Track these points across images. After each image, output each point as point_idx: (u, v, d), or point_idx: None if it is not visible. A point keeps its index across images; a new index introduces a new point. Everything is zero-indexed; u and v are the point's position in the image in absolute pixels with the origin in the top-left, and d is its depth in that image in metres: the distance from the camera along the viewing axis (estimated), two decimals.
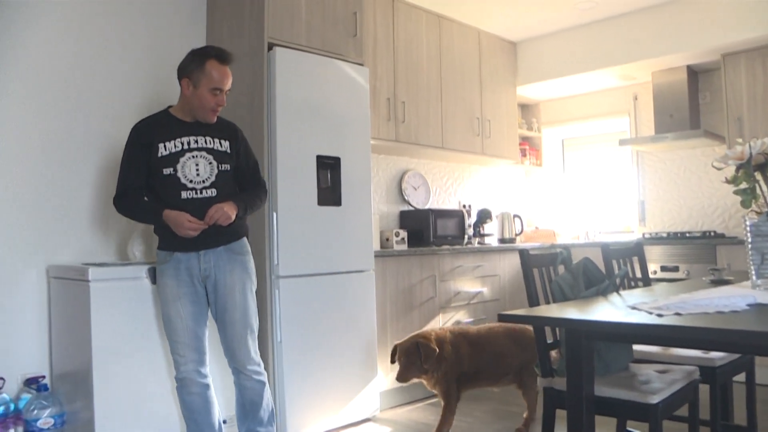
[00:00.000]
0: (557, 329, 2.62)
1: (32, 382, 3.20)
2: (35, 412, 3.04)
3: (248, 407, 2.94)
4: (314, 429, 3.62)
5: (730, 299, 2.24)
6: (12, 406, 3.14)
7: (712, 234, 5.07)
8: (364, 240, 3.91)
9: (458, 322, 4.56)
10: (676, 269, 4.93)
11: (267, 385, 2.99)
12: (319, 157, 3.70)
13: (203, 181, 2.83)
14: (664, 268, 5.00)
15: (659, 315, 1.98)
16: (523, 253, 2.60)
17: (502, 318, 2.22)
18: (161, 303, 2.85)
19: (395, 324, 4.15)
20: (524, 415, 3.61)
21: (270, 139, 3.53)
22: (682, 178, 5.59)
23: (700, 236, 5.02)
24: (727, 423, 3.15)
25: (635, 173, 5.90)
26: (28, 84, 3.33)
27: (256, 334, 2.97)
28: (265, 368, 3.50)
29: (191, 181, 2.81)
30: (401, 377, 3.30)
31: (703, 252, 4.81)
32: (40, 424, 3.03)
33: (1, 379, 3.15)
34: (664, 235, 5.28)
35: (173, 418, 3.08)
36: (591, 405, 2.28)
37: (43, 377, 3.26)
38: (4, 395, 3.13)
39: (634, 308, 2.17)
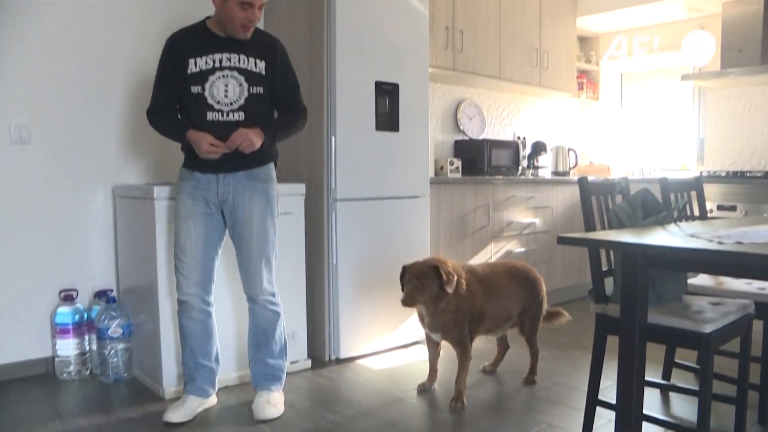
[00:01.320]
0: (612, 257, 2.63)
1: (101, 295, 3.38)
2: (105, 321, 3.22)
3: (260, 336, 2.88)
4: (366, 350, 3.74)
5: None
6: (85, 315, 3.34)
7: None
8: (420, 166, 3.93)
9: (510, 252, 4.60)
10: (733, 209, 4.84)
11: (281, 316, 2.92)
12: (377, 83, 3.71)
13: (231, 104, 2.69)
14: (720, 207, 4.91)
15: (720, 243, 1.98)
16: (582, 180, 2.59)
17: (561, 240, 2.22)
18: (174, 220, 2.78)
19: (448, 251, 4.20)
20: (530, 363, 3.36)
21: (329, 66, 3.54)
22: (746, 116, 5.42)
23: (761, 176, 4.89)
24: None
25: (696, 110, 5.74)
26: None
27: (273, 265, 2.87)
28: (320, 290, 3.65)
29: (218, 103, 2.68)
30: (409, 300, 2.91)
31: (764, 192, 4.70)
32: (110, 332, 3.21)
33: (75, 290, 3.33)
34: (723, 174, 5.16)
35: (231, 332, 3.21)
36: (643, 331, 2.31)
37: (111, 290, 3.44)
38: (78, 305, 3.33)
39: (693, 236, 2.17)
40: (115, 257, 3.53)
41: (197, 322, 2.80)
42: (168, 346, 3.02)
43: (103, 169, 3.48)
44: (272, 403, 2.83)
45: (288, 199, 3.35)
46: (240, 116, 2.71)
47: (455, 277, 2.93)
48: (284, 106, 2.87)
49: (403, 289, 2.95)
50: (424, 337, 3.23)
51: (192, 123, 2.71)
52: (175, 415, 2.71)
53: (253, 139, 2.66)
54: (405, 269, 3.01)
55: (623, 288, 2.28)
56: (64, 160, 3.37)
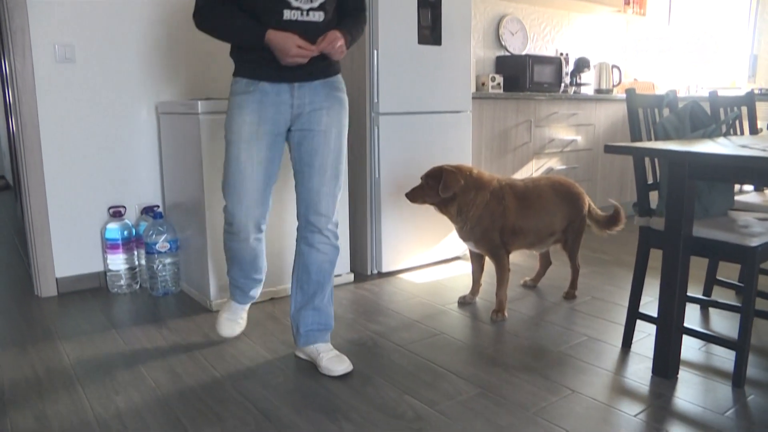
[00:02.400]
0: (657, 170, 2.60)
1: (148, 211, 3.46)
2: (153, 236, 3.30)
3: (314, 277, 2.46)
4: (408, 264, 3.79)
5: None
6: (134, 231, 3.43)
7: None
8: (462, 81, 3.88)
9: (551, 169, 4.56)
10: None
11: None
12: None
13: (311, 1, 2.26)
14: None
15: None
16: (630, 91, 2.53)
17: (608, 149, 2.20)
18: (229, 141, 2.33)
19: (489, 166, 4.19)
20: (570, 278, 3.38)
21: None
22: None
23: (767, 92, 4.71)
24: None
25: (750, 24, 5.50)
26: None
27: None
28: (362, 204, 3.68)
29: None
30: (410, 195, 3.04)
31: None
32: (158, 247, 3.30)
33: (123, 207, 3.42)
34: None
35: (285, 252, 3.27)
36: (688, 244, 2.30)
37: (158, 207, 3.52)
38: (127, 221, 3.42)
39: (744, 146, 2.12)
40: (160, 174, 3.60)
41: (250, 248, 2.50)
42: (214, 260, 3.10)
43: (146, 86, 3.51)
44: (339, 354, 2.48)
45: None
46: (320, 16, 2.28)
47: (459, 183, 2.95)
48: (351, 4, 2.44)
49: None
50: (467, 251, 3.28)
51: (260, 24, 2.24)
52: (231, 329, 2.72)
53: (344, 45, 2.29)
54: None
55: (669, 200, 2.26)
56: (108, 78, 3.40)
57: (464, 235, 3.08)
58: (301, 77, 2.31)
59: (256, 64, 2.29)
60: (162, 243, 3.31)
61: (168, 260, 3.34)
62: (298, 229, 2.47)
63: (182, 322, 2.95)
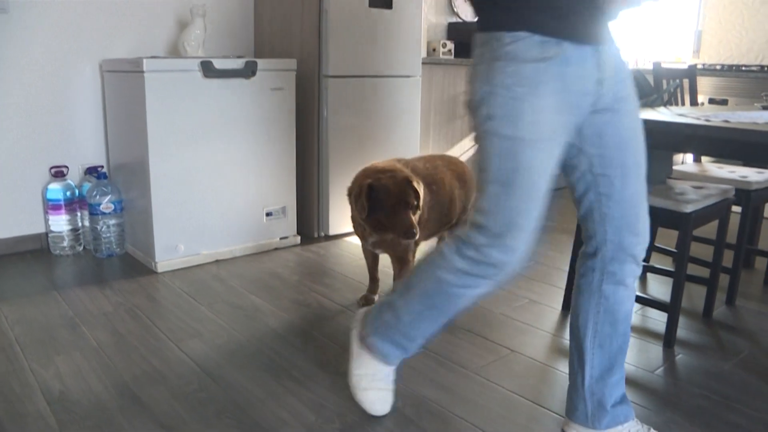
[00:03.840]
0: None
1: (92, 171, 3.39)
2: (97, 197, 3.24)
3: (622, 328, 1.71)
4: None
5: None
6: (77, 192, 3.36)
7: None
8: (413, 45, 3.87)
9: None
10: (724, 102, 4.81)
11: None
12: None
13: None
14: (712, 101, 4.89)
15: (707, 120, 2.00)
16: None
17: None
18: (514, 139, 1.48)
19: (438, 132, 4.21)
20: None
21: None
22: (750, 8, 5.30)
23: (757, 70, 4.83)
24: (751, 247, 3.25)
25: (696, 0, 5.60)
26: None
27: None
28: (309, 167, 3.67)
29: None
30: (416, 232, 2.33)
31: (757, 87, 4.66)
32: (102, 207, 3.24)
33: (65, 167, 3.34)
34: (718, 67, 5.10)
35: (230, 212, 3.26)
36: None
37: (102, 167, 3.45)
38: (69, 182, 3.34)
39: (681, 115, 2.18)
40: (104, 134, 3.52)
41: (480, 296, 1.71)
42: (159, 220, 3.06)
43: (89, 43, 3.40)
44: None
45: (279, 75, 3.33)
46: None
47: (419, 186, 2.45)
48: None
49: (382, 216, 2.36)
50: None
51: None
52: (386, 403, 1.91)
53: None
54: (363, 187, 2.34)
55: None
56: (47, 33, 3.28)
57: (383, 244, 2.57)
58: (606, 37, 1.54)
59: (561, 10, 1.46)
60: (106, 204, 3.25)
61: (112, 221, 3.29)
62: (589, 262, 1.73)
63: (126, 284, 2.92)
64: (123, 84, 3.17)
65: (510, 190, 1.51)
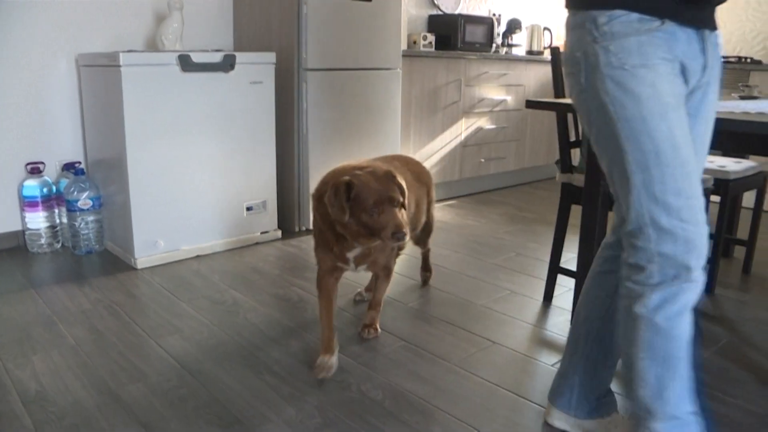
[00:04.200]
0: (579, 127, 2.66)
1: (69, 167, 3.35)
2: (75, 193, 3.20)
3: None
4: None
5: (759, 104, 2.25)
6: (54, 188, 3.32)
7: (748, 60, 4.91)
8: (393, 38, 3.85)
9: (480, 129, 4.60)
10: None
11: None
12: None
13: None
14: None
15: None
16: (555, 50, 2.56)
17: (530, 104, 2.23)
18: (640, 118, 1.37)
19: (419, 124, 4.20)
20: (424, 275, 2.95)
21: None
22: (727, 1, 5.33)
23: (734, 61, 4.87)
24: (730, 236, 3.28)
25: None
26: None
27: None
28: (289, 161, 3.65)
29: None
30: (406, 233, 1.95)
31: (734, 78, 4.68)
32: (79, 204, 3.20)
33: (42, 163, 3.29)
34: None
35: (204, 201, 3.23)
36: (606, 200, 2.37)
37: (79, 163, 3.40)
38: (46, 178, 3.30)
39: None
40: (82, 129, 3.48)
41: (687, 316, 1.44)
42: (138, 216, 3.03)
43: (65, 37, 3.35)
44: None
45: (258, 68, 3.30)
46: None
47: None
48: None
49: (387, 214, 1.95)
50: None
51: None
52: None
53: None
54: (345, 184, 1.94)
55: (589, 157, 2.31)
56: (22, 28, 3.23)
57: (363, 259, 2.19)
58: (711, 23, 1.49)
59: None
60: (84, 200, 3.21)
61: (91, 218, 3.25)
62: (616, 252, 1.62)
63: (105, 280, 2.89)
64: (100, 79, 3.13)
65: (654, 165, 1.37)
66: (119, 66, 2.86)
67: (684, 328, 1.42)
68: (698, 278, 1.39)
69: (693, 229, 1.37)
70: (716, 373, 2.17)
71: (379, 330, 2.40)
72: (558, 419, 1.79)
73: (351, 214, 1.94)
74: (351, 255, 2.12)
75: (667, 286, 1.39)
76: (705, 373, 2.17)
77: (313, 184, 3.58)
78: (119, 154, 3.02)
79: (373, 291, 2.41)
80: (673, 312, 1.40)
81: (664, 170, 1.36)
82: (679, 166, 1.36)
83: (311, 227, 3.36)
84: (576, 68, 1.45)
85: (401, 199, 1.98)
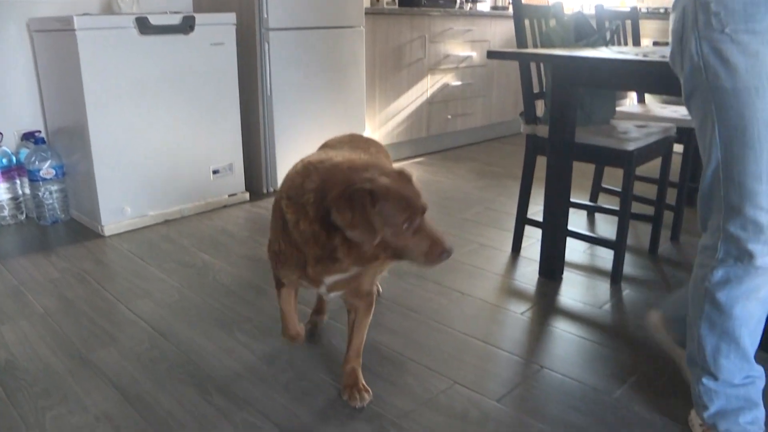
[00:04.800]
0: (543, 79, 2.67)
1: (29, 137, 3.28)
2: (36, 163, 3.14)
3: None
4: None
5: None
6: (14, 159, 3.25)
7: None
8: None
9: (446, 86, 4.59)
10: (668, 45, 4.87)
11: None
12: None
13: None
14: (656, 44, 4.94)
15: (645, 56, 2.02)
16: (516, 2, 2.55)
17: (491, 54, 2.23)
18: (723, 88, 1.31)
19: (384, 83, 4.17)
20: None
21: None
22: None
23: None
24: (694, 185, 3.32)
25: None
26: None
27: None
28: (255, 123, 3.62)
29: None
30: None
31: None
32: (42, 174, 3.14)
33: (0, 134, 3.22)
34: (662, 10, 5.13)
35: (169, 166, 3.19)
36: (570, 150, 2.39)
37: (39, 132, 3.33)
38: (5, 148, 3.22)
39: (621, 53, 2.20)
40: (39, 97, 3.40)
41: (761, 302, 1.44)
42: (103, 183, 2.99)
43: (13, 1, 3.24)
44: None
45: (219, 29, 3.25)
46: None
47: None
48: None
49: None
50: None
51: None
52: None
53: None
54: (380, 196, 1.41)
55: (552, 107, 2.33)
56: None
57: (341, 284, 1.67)
58: None
59: None
60: (46, 170, 3.15)
61: (54, 187, 3.20)
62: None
63: (73, 249, 2.86)
64: (54, 44, 3.05)
65: (738, 151, 1.32)
66: (74, 30, 2.79)
67: (750, 311, 1.42)
68: (765, 266, 1.36)
69: (767, 217, 1.33)
70: None
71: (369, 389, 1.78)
72: (659, 329, 1.80)
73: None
74: (330, 280, 1.61)
75: (731, 266, 1.40)
76: None
77: (281, 145, 3.58)
78: (80, 121, 2.96)
79: (350, 332, 1.78)
80: (737, 293, 1.41)
81: (748, 152, 1.30)
82: (766, 149, 1.29)
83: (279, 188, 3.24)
84: (677, 24, 1.37)
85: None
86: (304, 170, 1.53)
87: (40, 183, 3.16)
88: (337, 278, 1.60)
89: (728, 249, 1.38)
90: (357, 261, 1.50)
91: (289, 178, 1.58)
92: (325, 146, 1.89)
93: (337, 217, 1.39)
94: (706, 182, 1.39)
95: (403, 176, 1.50)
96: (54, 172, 3.18)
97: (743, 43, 1.26)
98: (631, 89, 2.21)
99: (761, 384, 1.51)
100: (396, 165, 1.65)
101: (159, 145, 3.13)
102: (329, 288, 1.64)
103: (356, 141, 1.92)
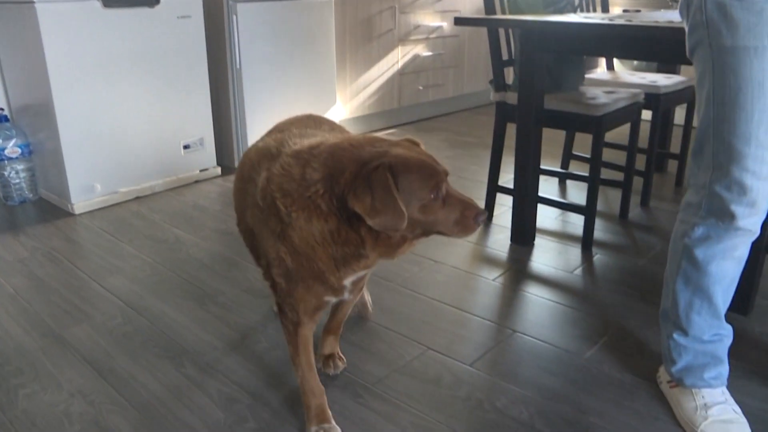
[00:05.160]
0: (512, 47, 2.67)
1: None
2: (0, 142, 3.09)
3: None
4: None
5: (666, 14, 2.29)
6: None
7: None
8: None
9: (417, 56, 4.57)
10: (638, 12, 4.88)
11: None
12: None
13: None
14: (626, 11, 4.95)
15: (610, 20, 2.03)
16: None
17: (459, 21, 2.22)
18: (722, 46, 1.30)
19: (354, 55, 4.14)
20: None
21: None
22: None
23: None
24: (663, 150, 3.36)
25: None
26: None
27: None
28: (225, 96, 3.58)
29: None
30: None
31: None
32: (7, 153, 3.09)
33: None
34: None
35: (139, 142, 3.16)
36: (539, 116, 2.40)
37: (2, 109, 3.27)
38: None
39: (587, 17, 2.21)
40: (0, 74, 3.32)
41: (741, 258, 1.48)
42: (71, 161, 2.95)
43: None
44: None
45: (185, 2, 3.19)
46: None
47: None
48: None
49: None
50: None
51: None
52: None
53: None
54: (400, 168, 1.24)
55: (521, 74, 2.33)
56: None
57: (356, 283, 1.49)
58: None
59: None
60: (11, 148, 3.10)
61: (21, 166, 3.15)
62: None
63: (42, 228, 2.83)
64: (12, 18, 2.97)
65: (730, 111, 1.31)
66: (33, 3, 2.73)
67: (725, 269, 1.45)
68: (745, 228, 1.38)
69: (753, 181, 1.33)
70: (650, 278, 2.27)
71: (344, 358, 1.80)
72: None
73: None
74: (350, 280, 1.41)
75: (712, 225, 1.41)
76: (639, 279, 2.26)
77: (252, 119, 3.55)
78: (45, 98, 2.91)
79: (335, 310, 1.75)
80: (714, 251, 1.43)
81: (739, 112, 1.30)
82: (758, 111, 1.28)
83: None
84: None
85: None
86: (298, 159, 1.31)
87: (6, 162, 3.10)
88: (358, 275, 1.42)
89: (711, 208, 1.40)
90: (385, 252, 1.32)
91: (276, 173, 1.33)
92: (277, 131, 1.66)
93: (355, 204, 1.20)
94: (698, 139, 1.41)
95: (415, 144, 1.36)
96: (20, 150, 3.13)
97: (750, 0, 1.24)
98: (597, 54, 2.22)
99: (728, 342, 1.55)
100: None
101: (128, 121, 3.09)
102: (350, 290, 1.46)
103: (310, 120, 1.72)
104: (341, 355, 1.77)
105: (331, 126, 1.70)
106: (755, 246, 1.91)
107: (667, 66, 3.29)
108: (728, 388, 1.57)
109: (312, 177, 1.26)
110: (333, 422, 1.51)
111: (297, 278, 1.36)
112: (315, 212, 1.26)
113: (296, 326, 1.45)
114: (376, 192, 1.19)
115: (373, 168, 1.20)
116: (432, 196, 1.25)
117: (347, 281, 1.39)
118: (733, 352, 1.59)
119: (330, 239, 1.28)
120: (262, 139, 1.62)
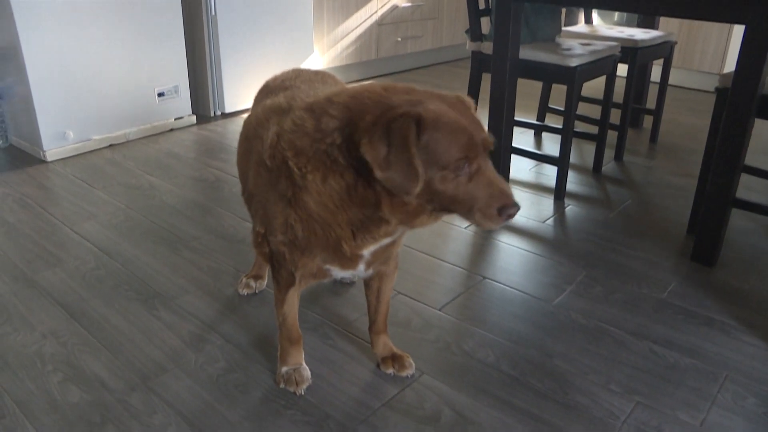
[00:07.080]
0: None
1: None
2: None
3: None
4: (252, 104, 3.72)
5: None
6: None
7: None
8: None
9: (395, 7, 4.51)
10: None
11: None
12: None
13: None
14: None
15: None
16: None
17: None
18: None
19: (332, 3, 4.08)
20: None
21: None
22: None
23: None
24: (639, 106, 3.37)
25: None
26: None
27: None
28: (200, 44, 3.52)
29: None
30: None
31: None
32: None
33: None
34: None
35: (112, 89, 3.11)
36: (515, 66, 2.40)
37: None
38: None
39: None
40: None
41: None
42: (42, 108, 2.90)
43: None
44: None
45: None
46: None
47: None
48: None
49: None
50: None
51: None
52: None
53: None
54: (431, 123, 1.06)
55: (497, 23, 2.32)
56: None
57: (379, 254, 1.34)
58: None
59: None
60: None
61: None
62: None
63: (13, 175, 2.79)
64: None
65: None
66: None
67: None
68: None
69: None
70: (619, 229, 2.30)
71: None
72: None
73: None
74: (369, 251, 1.27)
75: None
76: (609, 230, 2.30)
77: (227, 67, 3.51)
78: (12, 42, 2.84)
79: (374, 301, 1.55)
80: None
81: None
82: None
83: (227, 110, 3.29)
84: None
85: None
86: (312, 111, 1.15)
87: None
88: (377, 247, 1.26)
89: None
90: (404, 218, 1.14)
91: (287, 129, 1.17)
92: (268, 91, 1.55)
93: (367, 150, 1.04)
94: None
95: (463, 103, 1.14)
96: None
97: None
98: (573, 4, 2.21)
99: None
100: None
101: (100, 67, 3.04)
102: (368, 263, 1.30)
103: (317, 76, 1.57)
104: (401, 353, 1.58)
105: (334, 81, 1.59)
106: (722, 198, 1.95)
107: (646, 21, 3.29)
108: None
109: (328, 126, 1.11)
110: (303, 363, 1.53)
111: (304, 246, 1.24)
112: (331, 168, 1.11)
113: (288, 287, 1.38)
114: (393, 142, 1.03)
115: (398, 115, 1.04)
116: (458, 166, 1.06)
117: (366, 251, 1.25)
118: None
119: (348, 199, 1.13)
120: (262, 101, 1.48)
